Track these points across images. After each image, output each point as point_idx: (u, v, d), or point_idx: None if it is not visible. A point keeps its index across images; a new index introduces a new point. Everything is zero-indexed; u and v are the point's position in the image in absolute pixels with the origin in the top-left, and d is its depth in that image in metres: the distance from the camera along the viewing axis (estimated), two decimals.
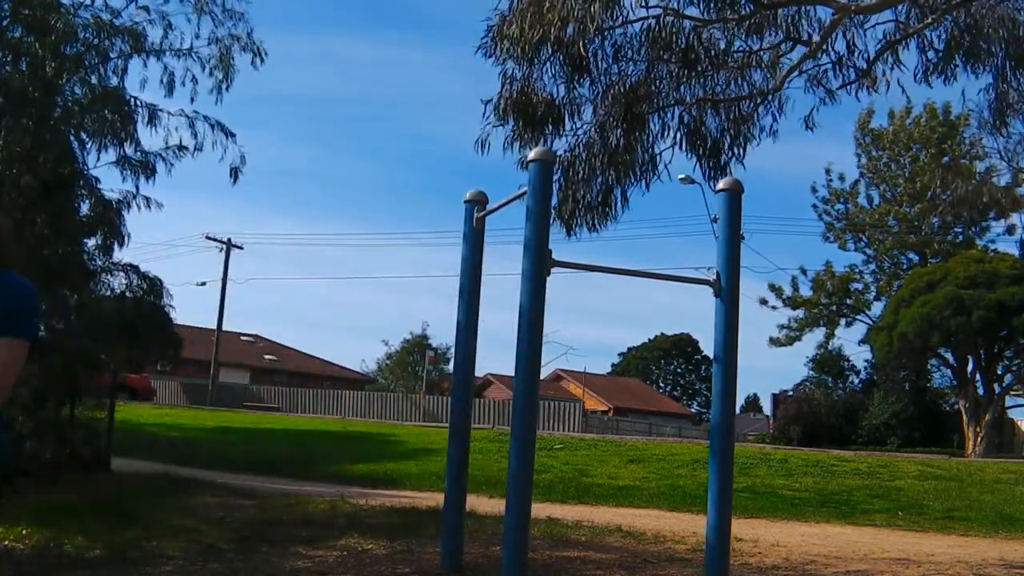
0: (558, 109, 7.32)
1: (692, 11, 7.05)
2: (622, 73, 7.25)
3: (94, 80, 8.85)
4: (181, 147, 9.33)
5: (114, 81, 9.03)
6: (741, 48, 7.51)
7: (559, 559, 5.88)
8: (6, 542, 5.63)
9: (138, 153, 9.16)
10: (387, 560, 5.66)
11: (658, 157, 7.47)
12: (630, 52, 7.21)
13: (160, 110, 9.29)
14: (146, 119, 9.18)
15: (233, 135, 9.46)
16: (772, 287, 34.91)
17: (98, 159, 8.92)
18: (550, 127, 7.34)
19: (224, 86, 9.37)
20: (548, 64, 7.16)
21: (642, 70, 7.27)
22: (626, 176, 7.41)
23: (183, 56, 9.33)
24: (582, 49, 6.83)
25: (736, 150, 7.47)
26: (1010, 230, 32.41)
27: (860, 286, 35.04)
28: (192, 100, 9.41)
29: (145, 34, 9.11)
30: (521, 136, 7.31)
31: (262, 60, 9.46)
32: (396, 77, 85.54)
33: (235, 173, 9.49)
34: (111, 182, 9.53)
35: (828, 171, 35.11)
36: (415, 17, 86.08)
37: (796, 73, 7.45)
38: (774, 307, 34.97)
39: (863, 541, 7.96)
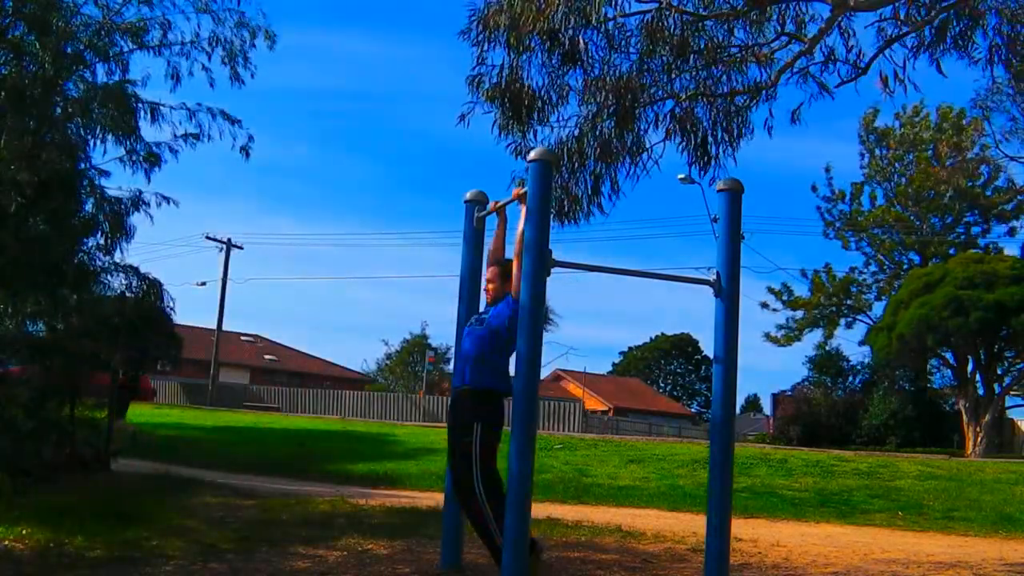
0: (551, 103, 7.34)
1: (688, 5, 7.07)
2: (615, 65, 7.27)
3: (89, 76, 8.86)
4: (187, 136, 9.44)
5: (115, 77, 9.06)
6: (736, 43, 7.51)
7: (559, 559, 5.87)
8: (6, 542, 5.63)
9: (141, 147, 9.17)
10: (387, 560, 5.66)
11: (649, 150, 7.50)
12: (625, 44, 7.21)
13: (161, 106, 9.33)
14: (149, 118, 9.22)
15: (239, 120, 9.71)
16: (772, 291, 35.01)
17: (104, 152, 8.96)
18: (543, 119, 7.37)
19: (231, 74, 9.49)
20: (545, 57, 7.16)
21: (635, 62, 7.28)
22: (622, 166, 7.43)
23: (185, 53, 9.35)
24: (580, 42, 6.84)
25: (725, 147, 7.48)
26: (1011, 232, 32.53)
27: (860, 287, 35.08)
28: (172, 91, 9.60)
29: (146, 30, 9.13)
30: (518, 134, 7.34)
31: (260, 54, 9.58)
32: (398, 75, 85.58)
33: (246, 151, 9.87)
34: (114, 179, 9.57)
35: (828, 170, 35.26)
36: (418, 16, 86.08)
37: (791, 70, 7.44)
38: (775, 310, 35.06)
39: (863, 541, 7.95)
